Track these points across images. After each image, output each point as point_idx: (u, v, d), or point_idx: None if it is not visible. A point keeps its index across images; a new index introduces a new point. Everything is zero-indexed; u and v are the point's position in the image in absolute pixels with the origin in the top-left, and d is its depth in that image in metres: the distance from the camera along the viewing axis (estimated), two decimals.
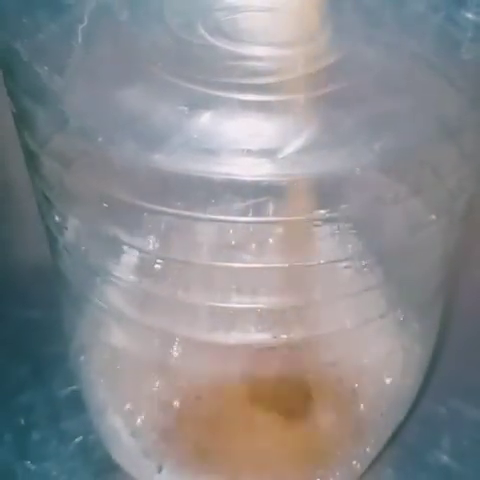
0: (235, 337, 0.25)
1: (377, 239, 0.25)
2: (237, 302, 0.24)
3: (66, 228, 0.26)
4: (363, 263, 0.25)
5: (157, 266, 0.25)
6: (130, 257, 0.25)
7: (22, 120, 0.24)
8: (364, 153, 0.21)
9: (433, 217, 0.25)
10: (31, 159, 0.25)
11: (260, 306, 0.24)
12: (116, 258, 0.25)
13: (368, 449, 0.31)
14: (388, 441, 0.31)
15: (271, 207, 0.23)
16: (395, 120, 0.22)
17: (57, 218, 0.25)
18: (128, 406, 0.29)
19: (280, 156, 0.21)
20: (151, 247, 0.25)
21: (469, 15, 0.24)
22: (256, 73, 0.22)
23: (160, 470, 0.29)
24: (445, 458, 0.33)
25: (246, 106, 0.21)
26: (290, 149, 0.21)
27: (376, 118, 0.22)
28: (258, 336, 0.25)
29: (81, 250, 0.26)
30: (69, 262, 0.26)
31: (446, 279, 0.28)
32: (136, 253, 0.25)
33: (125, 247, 0.25)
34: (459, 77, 0.23)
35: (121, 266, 0.25)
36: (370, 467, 0.32)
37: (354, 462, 0.31)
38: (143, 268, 0.25)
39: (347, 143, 0.21)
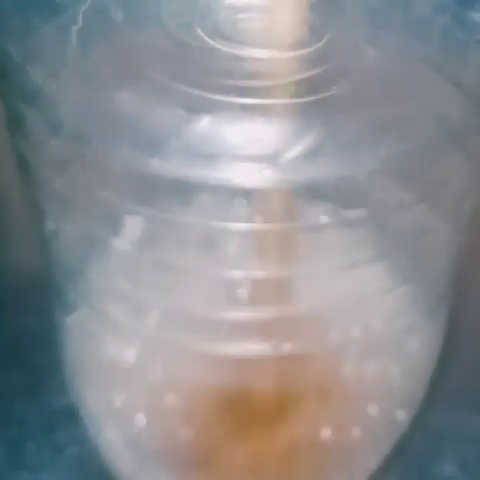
0: (235, 348, 0.24)
1: (381, 245, 0.24)
2: (237, 312, 0.24)
3: (59, 234, 0.25)
4: (367, 270, 0.25)
5: (154, 274, 0.25)
6: (125, 264, 0.25)
7: (14, 124, 0.23)
8: (367, 158, 0.21)
9: (438, 222, 0.24)
10: (23, 164, 0.24)
11: (260, 316, 0.24)
12: (111, 265, 0.25)
13: (372, 459, 0.30)
14: (392, 451, 0.31)
15: (272, 213, 0.23)
16: (399, 124, 0.22)
17: (49, 224, 0.25)
18: (124, 416, 0.28)
19: (281, 161, 0.20)
20: (147, 254, 0.24)
21: (475, 17, 0.23)
22: (256, 76, 0.22)
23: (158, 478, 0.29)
24: (450, 468, 0.33)
25: (246, 110, 0.21)
26: (291, 154, 0.20)
27: (379, 122, 0.22)
28: (258, 347, 0.24)
29: (74, 257, 0.25)
30: (62, 269, 0.26)
31: (451, 286, 0.28)
32: (131, 260, 0.25)
33: (120, 254, 0.25)
34: (465, 80, 0.23)
35: (116, 274, 0.25)
36: (373, 477, 0.31)
37: (357, 471, 0.30)
38: (138, 276, 0.25)
39: (350, 148, 0.21)
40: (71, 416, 0.31)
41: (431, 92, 0.23)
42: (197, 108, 0.21)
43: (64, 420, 0.34)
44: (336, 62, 0.23)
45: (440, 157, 0.23)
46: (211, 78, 0.21)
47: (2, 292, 0.40)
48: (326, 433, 0.27)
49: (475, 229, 0.27)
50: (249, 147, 0.20)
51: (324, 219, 0.22)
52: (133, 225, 0.24)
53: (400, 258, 0.25)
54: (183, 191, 0.22)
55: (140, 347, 0.26)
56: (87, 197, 0.23)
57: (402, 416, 0.30)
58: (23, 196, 0.26)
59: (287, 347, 0.24)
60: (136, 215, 0.23)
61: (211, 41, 0.23)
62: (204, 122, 0.21)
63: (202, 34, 0.23)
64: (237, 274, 0.24)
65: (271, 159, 0.20)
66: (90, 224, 0.24)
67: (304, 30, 0.23)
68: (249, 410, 0.27)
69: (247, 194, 0.22)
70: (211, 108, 0.21)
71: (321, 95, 0.22)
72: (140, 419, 0.28)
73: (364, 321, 0.25)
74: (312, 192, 0.22)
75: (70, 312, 0.27)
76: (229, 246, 0.23)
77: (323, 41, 0.23)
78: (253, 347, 0.24)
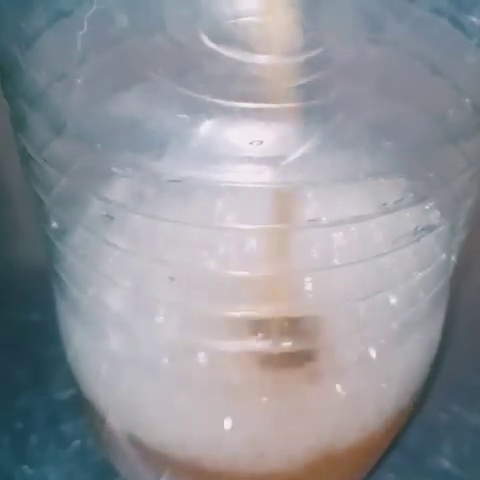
0: (236, 345, 0.25)
1: (379, 245, 0.24)
2: (238, 310, 0.24)
3: (63, 233, 0.25)
4: (365, 268, 0.25)
5: (157, 273, 0.25)
6: (129, 263, 0.25)
7: (19, 125, 0.24)
8: (367, 159, 0.21)
9: (437, 222, 0.25)
10: (28, 164, 0.24)
11: (260, 314, 0.24)
12: (115, 264, 0.25)
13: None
14: (389, 446, 0.31)
15: (272, 214, 0.23)
16: (398, 125, 0.22)
17: (54, 223, 0.25)
18: (127, 411, 0.29)
19: (282, 163, 0.20)
20: (151, 254, 0.25)
21: (474, 19, 0.24)
22: (257, 81, 0.22)
23: (160, 476, 0.29)
24: (446, 463, 0.33)
25: (247, 114, 0.21)
26: (292, 156, 0.21)
27: (379, 123, 0.22)
28: (258, 344, 0.24)
29: (79, 255, 0.26)
30: (66, 267, 0.26)
31: (448, 284, 0.28)
32: (135, 259, 0.25)
33: (124, 253, 0.25)
34: (463, 81, 0.23)
35: (120, 272, 0.25)
36: (371, 472, 0.32)
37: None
38: (143, 274, 0.25)
39: (350, 149, 0.21)
40: (75, 409, 0.32)
41: (430, 93, 0.23)
42: (199, 112, 0.21)
43: (68, 413, 0.34)
44: (336, 65, 0.23)
45: (439, 157, 0.23)
46: (213, 82, 0.22)
47: (7, 287, 0.40)
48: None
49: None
50: (250, 149, 0.21)
51: (323, 221, 0.23)
52: (135, 225, 0.24)
53: (399, 259, 0.25)
54: (185, 193, 0.22)
55: (143, 344, 0.26)
56: (90, 197, 0.23)
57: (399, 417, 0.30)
58: (27, 194, 0.26)
59: (287, 345, 0.25)
60: (137, 215, 0.24)
61: (213, 46, 0.23)
62: (206, 125, 0.21)
63: (205, 39, 0.23)
64: (236, 273, 0.24)
65: (272, 161, 0.21)
66: (93, 224, 0.24)
67: (304, 35, 0.23)
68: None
69: (248, 195, 0.22)
70: (213, 112, 0.21)
71: (321, 98, 0.22)
72: (143, 414, 0.28)
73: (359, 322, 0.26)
74: (312, 193, 0.23)
75: (74, 309, 0.28)
76: (230, 246, 0.24)
77: (323, 45, 0.23)
78: (254, 344, 0.24)
